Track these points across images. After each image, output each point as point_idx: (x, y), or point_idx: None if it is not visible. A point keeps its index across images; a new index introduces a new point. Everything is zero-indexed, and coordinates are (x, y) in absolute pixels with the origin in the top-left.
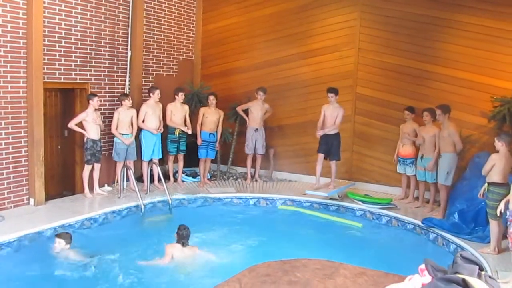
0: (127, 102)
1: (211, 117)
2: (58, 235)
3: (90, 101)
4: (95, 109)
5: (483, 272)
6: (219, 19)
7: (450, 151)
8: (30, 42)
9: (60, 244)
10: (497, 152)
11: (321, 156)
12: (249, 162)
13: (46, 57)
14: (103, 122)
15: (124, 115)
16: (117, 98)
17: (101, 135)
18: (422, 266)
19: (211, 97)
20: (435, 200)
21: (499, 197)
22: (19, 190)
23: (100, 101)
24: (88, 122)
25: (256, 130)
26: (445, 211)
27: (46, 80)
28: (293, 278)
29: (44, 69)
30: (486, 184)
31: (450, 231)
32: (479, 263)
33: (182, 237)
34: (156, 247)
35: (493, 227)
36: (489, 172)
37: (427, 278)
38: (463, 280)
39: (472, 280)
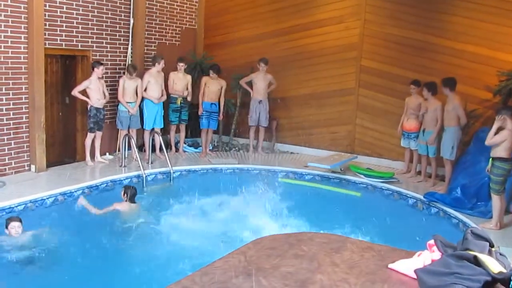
0: (128, 75)
1: (212, 87)
2: (11, 219)
3: (95, 69)
4: (99, 78)
5: (493, 249)
6: None
7: (454, 125)
8: (31, 7)
9: (19, 228)
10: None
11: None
12: (252, 133)
13: (47, 23)
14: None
15: (128, 84)
16: (119, 66)
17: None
18: (431, 242)
19: (211, 71)
20: (437, 175)
21: (504, 172)
22: (20, 157)
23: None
24: (92, 90)
25: (260, 101)
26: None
27: (47, 46)
28: (299, 251)
29: (45, 35)
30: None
31: (452, 206)
32: (490, 239)
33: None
34: (154, 217)
35: (496, 202)
36: (495, 145)
37: (436, 254)
38: (475, 257)
39: (483, 257)
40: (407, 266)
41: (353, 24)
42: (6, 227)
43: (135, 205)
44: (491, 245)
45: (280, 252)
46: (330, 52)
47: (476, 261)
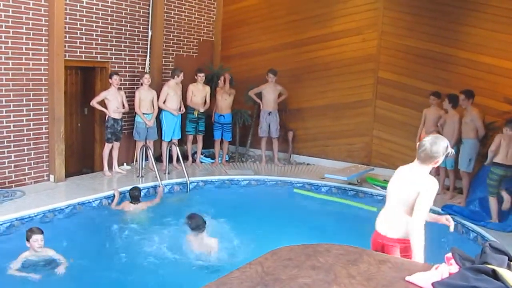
0: (145, 80)
1: (220, 98)
2: (33, 232)
3: (110, 80)
4: (118, 88)
5: None
6: (240, 0)
7: (472, 137)
8: (51, 20)
9: (42, 241)
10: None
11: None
12: (263, 144)
13: (67, 35)
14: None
15: (145, 95)
16: (137, 78)
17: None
18: (449, 255)
19: (221, 78)
20: (455, 187)
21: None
22: (40, 167)
23: (121, 80)
24: (110, 101)
25: (270, 113)
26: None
27: (67, 58)
28: (316, 262)
29: (65, 47)
30: None
31: (470, 219)
32: (508, 253)
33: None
34: (169, 227)
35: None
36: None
37: (454, 267)
38: (493, 270)
39: (502, 270)
40: (425, 279)
41: (371, 35)
42: (28, 240)
43: (140, 205)
44: (510, 259)
45: (297, 263)
46: (347, 64)
47: (494, 275)
